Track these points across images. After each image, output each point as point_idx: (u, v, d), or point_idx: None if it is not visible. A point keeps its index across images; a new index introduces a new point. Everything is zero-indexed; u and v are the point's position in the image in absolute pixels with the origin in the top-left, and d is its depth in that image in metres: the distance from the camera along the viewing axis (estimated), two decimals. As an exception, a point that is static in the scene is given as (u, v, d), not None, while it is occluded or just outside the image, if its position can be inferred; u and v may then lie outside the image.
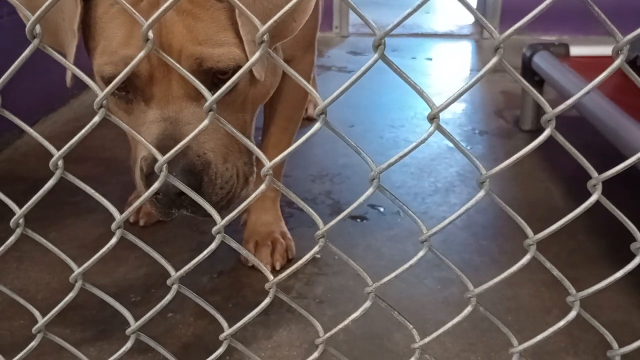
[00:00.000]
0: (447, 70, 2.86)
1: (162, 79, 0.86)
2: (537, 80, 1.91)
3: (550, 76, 1.77)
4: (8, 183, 1.68)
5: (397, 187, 1.64)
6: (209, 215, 0.87)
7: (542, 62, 1.86)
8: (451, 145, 1.89)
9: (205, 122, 0.52)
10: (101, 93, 0.54)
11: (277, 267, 1.27)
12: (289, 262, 1.31)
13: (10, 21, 1.88)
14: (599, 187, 0.48)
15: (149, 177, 0.86)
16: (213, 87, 0.84)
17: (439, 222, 0.52)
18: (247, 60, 0.86)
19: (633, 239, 0.55)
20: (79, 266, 0.60)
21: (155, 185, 0.58)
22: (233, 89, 0.82)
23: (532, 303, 1.16)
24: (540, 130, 0.48)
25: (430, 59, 3.06)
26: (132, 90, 0.89)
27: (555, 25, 3.36)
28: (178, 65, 0.53)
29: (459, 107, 2.27)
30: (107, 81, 0.88)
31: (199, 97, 0.87)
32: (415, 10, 0.41)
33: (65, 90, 2.26)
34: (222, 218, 0.60)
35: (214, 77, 0.87)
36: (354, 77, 0.45)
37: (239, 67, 0.85)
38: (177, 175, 0.81)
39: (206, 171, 0.87)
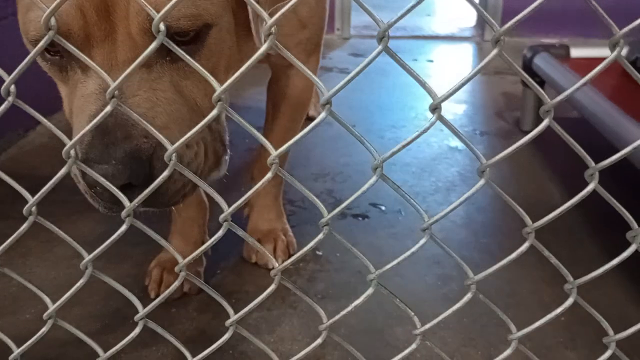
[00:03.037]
0: (449, 72, 2.88)
1: (102, 39, 0.68)
2: (537, 81, 1.92)
3: (550, 77, 1.78)
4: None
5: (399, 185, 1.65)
6: (168, 205, 0.75)
7: (543, 63, 1.87)
8: (452, 145, 1.91)
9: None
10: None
11: (279, 263, 1.28)
12: (290, 258, 1.33)
13: (15, 21, 1.89)
14: (596, 176, 0.50)
15: (86, 164, 0.65)
16: (170, 52, 0.70)
17: (440, 221, 0.53)
18: (221, 16, 0.73)
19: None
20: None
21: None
22: (202, 49, 0.72)
23: (531, 299, 1.18)
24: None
25: (432, 61, 3.08)
26: (66, 54, 0.71)
27: (555, 28, 3.38)
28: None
29: (459, 108, 2.28)
30: (34, 43, 0.72)
31: (150, 63, 0.69)
32: (419, 2, 0.43)
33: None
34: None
35: (172, 39, 0.66)
36: (359, 67, 0.46)
37: (207, 26, 0.72)
38: (119, 164, 0.64)
39: (157, 155, 0.67)
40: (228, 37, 0.77)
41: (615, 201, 0.51)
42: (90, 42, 0.68)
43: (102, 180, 0.58)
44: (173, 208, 1.25)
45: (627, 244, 0.56)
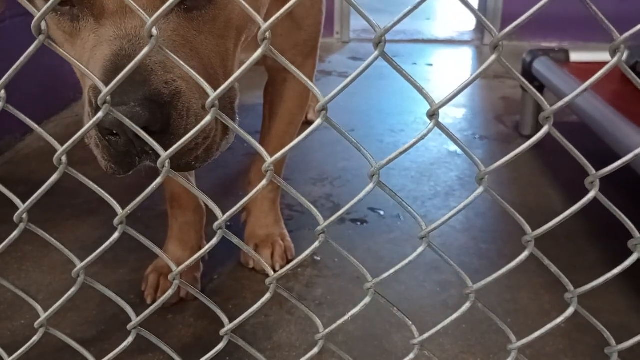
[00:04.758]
0: (448, 76, 2.88)
1: None
2: (537, 85, 1.92)
3: (550, 81, 1.78)
4: (9, 185, 1.66)
5: (397, 190, 1.64)
6: (183, 168, 0.71)
7: (542, 67, 1.87)
8: (451, 149, 1.90)
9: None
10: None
11: (277, 268, 1.28)
12: (289, 263, 1.32)
13: (11, 24, 1.89)
14: (597, 184, 0.49)
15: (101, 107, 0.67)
16: (178, 4, 0.69)
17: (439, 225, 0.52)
18: None
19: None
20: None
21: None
22: (212, 1, 0.72)
23: (531, 306, 1.16)
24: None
25: (431, 65, 3.08)
26: (78, 2, 0.69)
27: (555, 33, 3.37)
28: None
29: (459, 113, 2.28)
30: None
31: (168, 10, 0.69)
32: (416, 7, 0.42)
33: (67, 94, 2.27)
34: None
35: None
36: (355, 74, 0.46)
37: None
38: (136, 107, 0.63)
39: (175, 104, 0.67)
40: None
41: (616, 209, 0.50)
42: None
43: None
44: (169, 212, 1.26)
45: (628, 251, 0.55)
